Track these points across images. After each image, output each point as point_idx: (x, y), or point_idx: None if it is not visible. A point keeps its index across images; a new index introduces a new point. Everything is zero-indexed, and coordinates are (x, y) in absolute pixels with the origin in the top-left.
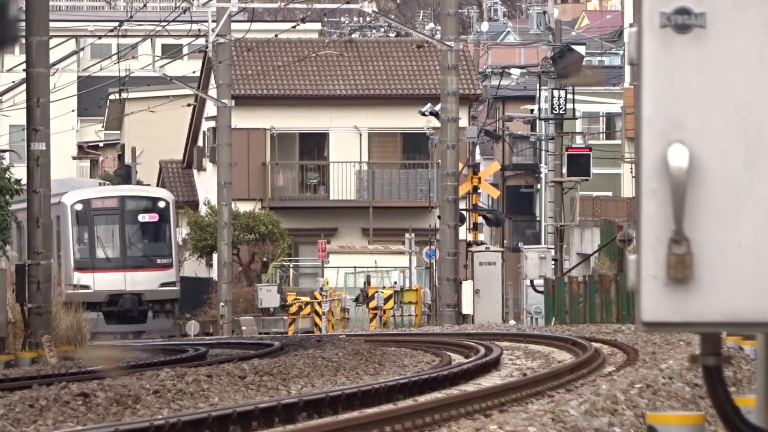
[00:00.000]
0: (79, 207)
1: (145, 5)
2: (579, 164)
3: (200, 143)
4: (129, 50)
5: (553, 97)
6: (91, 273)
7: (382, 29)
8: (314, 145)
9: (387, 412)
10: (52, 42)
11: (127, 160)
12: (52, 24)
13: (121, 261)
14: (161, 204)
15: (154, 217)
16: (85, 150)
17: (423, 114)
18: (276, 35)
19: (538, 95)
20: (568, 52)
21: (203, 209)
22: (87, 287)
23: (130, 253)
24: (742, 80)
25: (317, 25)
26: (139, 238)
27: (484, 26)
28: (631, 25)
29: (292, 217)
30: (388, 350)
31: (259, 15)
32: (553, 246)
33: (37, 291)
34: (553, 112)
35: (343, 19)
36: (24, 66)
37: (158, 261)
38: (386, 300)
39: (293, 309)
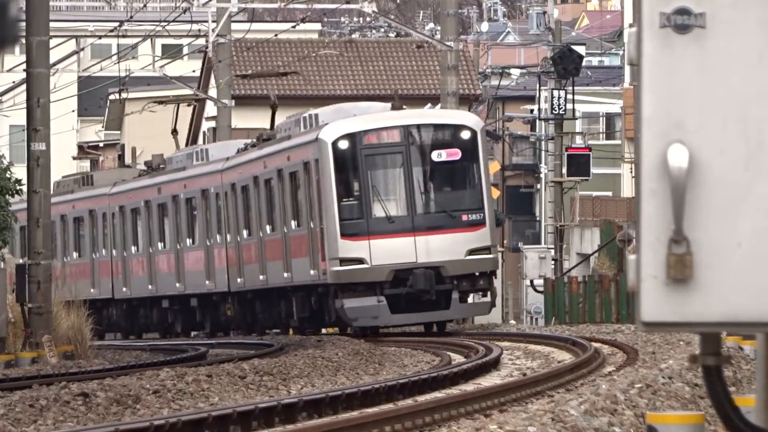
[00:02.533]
0: (344, 144)
1: (145, 5)
2: (579, 164)
3: (200, 143)
4: (129, 50)
5: (552, 97)
6: (366, 240)
7: (382, 29)
8: None
9: (387, 412)
10: (52, 42)
11: (127, 160)
12: (52, 24)
13: (409, 221)
14: (465, 135)
15: (455, 154)
16: (85, 150)
17: None
18: (276, 35)
19: (537, 95)
20: (568, 53)
21: None
22: (360, 261)
23: (423, 208)
24: (742, 80)
25: (317, 25)
26: (436, 187)
27: (484, 26)
28: (631, 25)
29: None
30: (388, 350)
31: (259, 15)
32: (552, 246)
33: (37, 291)
34: (553, 112)
35: (343, 19)
36: (24, 66)
37: (464, 218)
38: None
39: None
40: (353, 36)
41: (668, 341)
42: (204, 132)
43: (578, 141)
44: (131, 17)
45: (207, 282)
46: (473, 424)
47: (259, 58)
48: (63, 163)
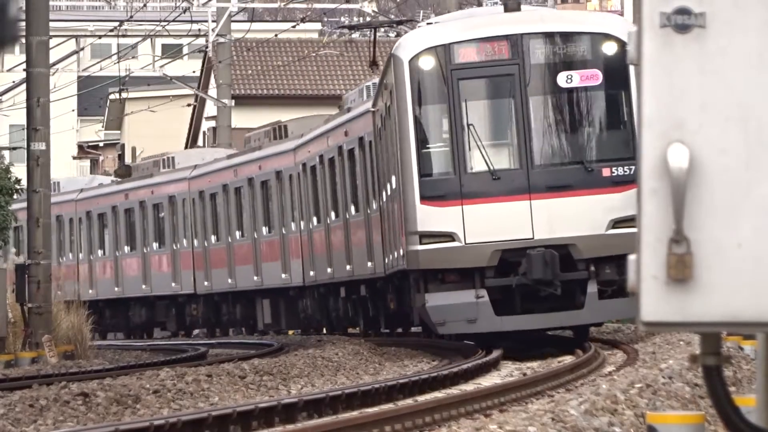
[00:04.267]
0: (428, 63)
1: (145, 5)
2: None
3: (200, 143)
4: (129, 50)
5: None
6: (458, 206)
7: (382, 29)
8: None
9: (387, 412)
10: (52, 42)
11: (128, 160)
12: (52, 24)
13: (522, 177)
14: (609, 48)
15: (594, 78)
16: (85, 150)
17: None
18: (276, 35)
19: None
20: None
21: None
22: (449, 237)
23: (544, 158)
24: (742, 80)
25: (317, 25)
26: (565, 126)
27: None
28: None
29: None
30: (389, 350)
31: (259, 15)
32: None
33: (37, 291)
34: None
35: (343, 18)
36: (24, 66)
37: (606, 173)
38: None
39: None
40: (353, 36)
41: (668, 341)
42: (204, 132)
43: None
44: (131, 17)
45: (283, 275)
46: (473, 424)
47: (259, 58)
48: (63, 163)
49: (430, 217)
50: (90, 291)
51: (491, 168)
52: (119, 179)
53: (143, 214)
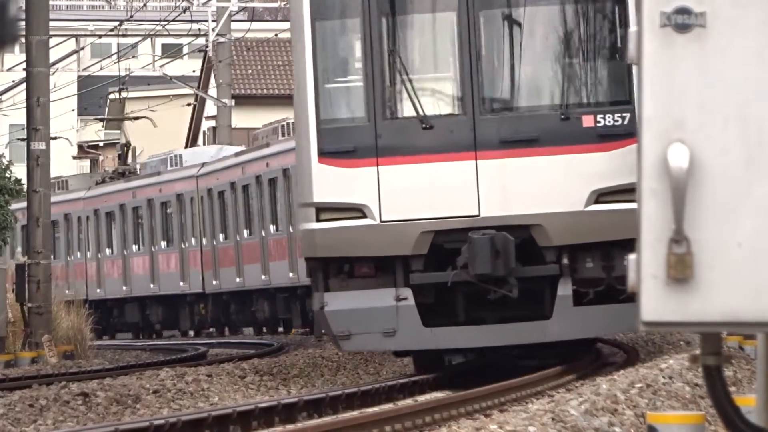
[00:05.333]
0: None
1: (145, 5)
2: None
3: (200, 143)
4: (129, 50)
5: None
6: (371, 166)
7: None
8: None
9: (387, 412)
10: (52, 41)
11: (127, 159)
12: (52, 23)
13: (465, 126)
14: None
15: None
16: (85, 150)
17: None
18: (276, 35)
19: None
20: None
21: None
22: (358, 212)
23: (494, 101)
24: (742, 80)
25: None
26: (530, 55)
27: None
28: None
29: None
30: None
31: (259, 14)
32: None
33: (37, 291)
34: None
35: None
36: (24, 65)
37: (589, 121)
38: None
39: None
40: None
41: (668, 341)
42: (204, 132)
43: None
44: (131, 16)
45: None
46: (473, 424)
47: (259, 57)
48: (63, 163)
49: (331, 183)
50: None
51: (421, 113)
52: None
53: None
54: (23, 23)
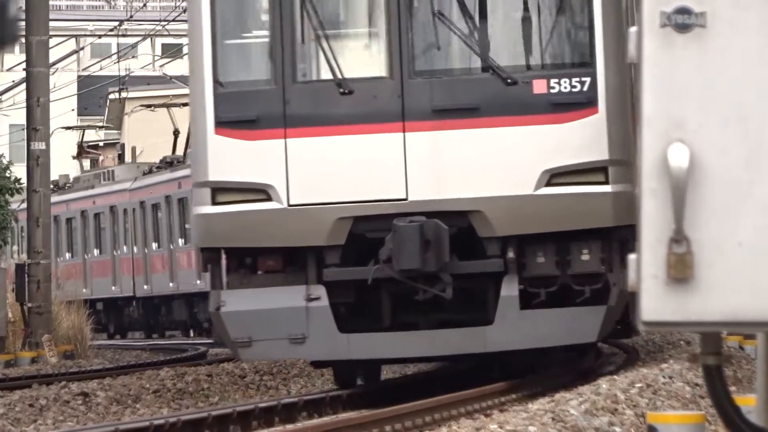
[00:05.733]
0: None
1: (145, 5)
2: None
3: None
4: (129, 50)
5: None
6: (279, 139)
7: None
8: None
9: (387, 412)
10: (52, 41)
11: (127, 159)
12: (52, 23)
13: (389, 92)
14: None
15: None
16: (85, 149)
17: None
18: None
19: None
20: None
21: None
22: (262, 194)
23: (427, 61)
24: (742, 80)
25: None
26: (465, 5)
27: None
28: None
29: None
30: None
31: None
32: None
33: (37, 290)
34: None
35: None
36: (24, 65)
37: (540, 87)
38: None
39: None
40: None
41: (668, 341)
42: None
43: None
44: (131, 16)
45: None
46: (473, 424)
47: None
48: (63, 163)
49: (229, 158)
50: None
51: (339, 75)
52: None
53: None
54: (23, 23)
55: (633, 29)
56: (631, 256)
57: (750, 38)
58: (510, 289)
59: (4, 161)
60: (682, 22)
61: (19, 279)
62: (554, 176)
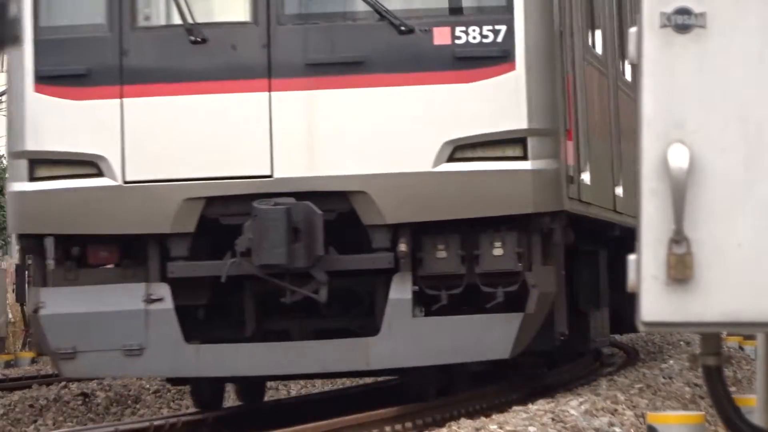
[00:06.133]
0: None
1: None
2: None
3: None
4: None
5: None
6: (104, 97)
7: None
8: None
9: (387, 412)
10: None
11: None
12: None
13: (251, 43)
14: None
15: None
16: None
17: None
18: None
19: None
20: None
21: None
22: (89, 166)
23: (301, 4)
24: (742, 80)
25: None
26: None
27: None
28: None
29: None
30: None
31: None
32: None
33: None
34: None
35: None
36: None
37: (439, 38)
38: None
39: None
40: None
41: (668, 341)
42: None
43: None
44: None
45: None
46: (473, 424)
47: None
48: None
49: (51, 122)
50: None
51: (189, 20)
52: None
53: None
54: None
55: (633, 29)
56: (631, 257)
57: (750, 38)
58: (401, 290)
59: (4, 162)
60: (682, 22)
61: (19, 279)
62: (458, 149)
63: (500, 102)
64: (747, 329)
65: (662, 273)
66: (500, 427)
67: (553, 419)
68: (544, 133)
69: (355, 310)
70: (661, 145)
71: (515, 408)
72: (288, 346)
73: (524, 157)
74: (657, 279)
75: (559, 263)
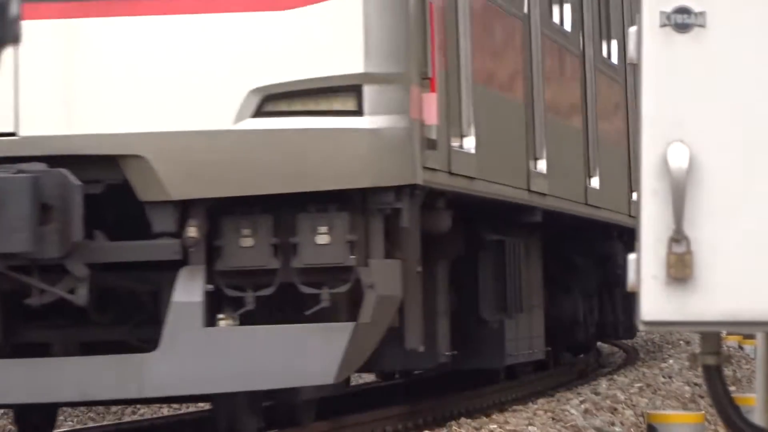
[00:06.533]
0: None
1: None
2: None
3: None
4: None
5: None
6: None
7: None
8: None
9: (387, 412)
10: None
11: None
12: None
13: None
14: None
15: None
16: None
17: None
18: None
19: None
20: None
21: None
22: None
23: None
24: (742, 80)
25: None
26: None
27: None
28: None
29: None
30: None
31: None
32: None
33: None
34: None
35: None
36: None
37: None
38: None
39: None
40: None
41: (668, 341)
42: None
43: None
44: None
45: None
46: (473, 423)
47: None
48: None
49: None
50: None
51: None
52: None
53: None
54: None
55: (633, 29)
56: (631, 256)
57: (750, 38)
58: (188, 291)
59: None
60: (682, 21)
61: None
62: (269, 100)
63: (326, 36)
64: (747, 328)
65: (662, 272)
66: (500, 427)
67: (553, 419)
68: (387, 79)
69: (136, 318)
70: (661, 144)
71: (515, 408)
72: (41, 365)
73: (359, 112)
74: (657, 278)
75: (411, 256)
